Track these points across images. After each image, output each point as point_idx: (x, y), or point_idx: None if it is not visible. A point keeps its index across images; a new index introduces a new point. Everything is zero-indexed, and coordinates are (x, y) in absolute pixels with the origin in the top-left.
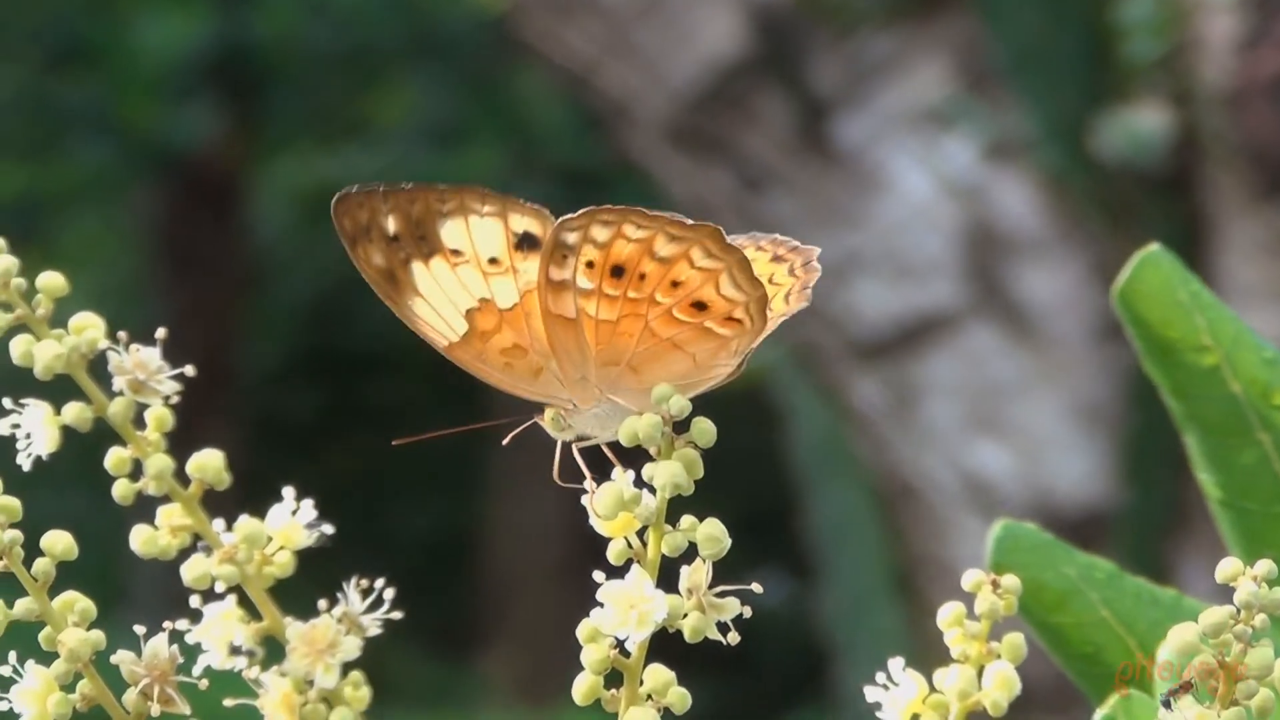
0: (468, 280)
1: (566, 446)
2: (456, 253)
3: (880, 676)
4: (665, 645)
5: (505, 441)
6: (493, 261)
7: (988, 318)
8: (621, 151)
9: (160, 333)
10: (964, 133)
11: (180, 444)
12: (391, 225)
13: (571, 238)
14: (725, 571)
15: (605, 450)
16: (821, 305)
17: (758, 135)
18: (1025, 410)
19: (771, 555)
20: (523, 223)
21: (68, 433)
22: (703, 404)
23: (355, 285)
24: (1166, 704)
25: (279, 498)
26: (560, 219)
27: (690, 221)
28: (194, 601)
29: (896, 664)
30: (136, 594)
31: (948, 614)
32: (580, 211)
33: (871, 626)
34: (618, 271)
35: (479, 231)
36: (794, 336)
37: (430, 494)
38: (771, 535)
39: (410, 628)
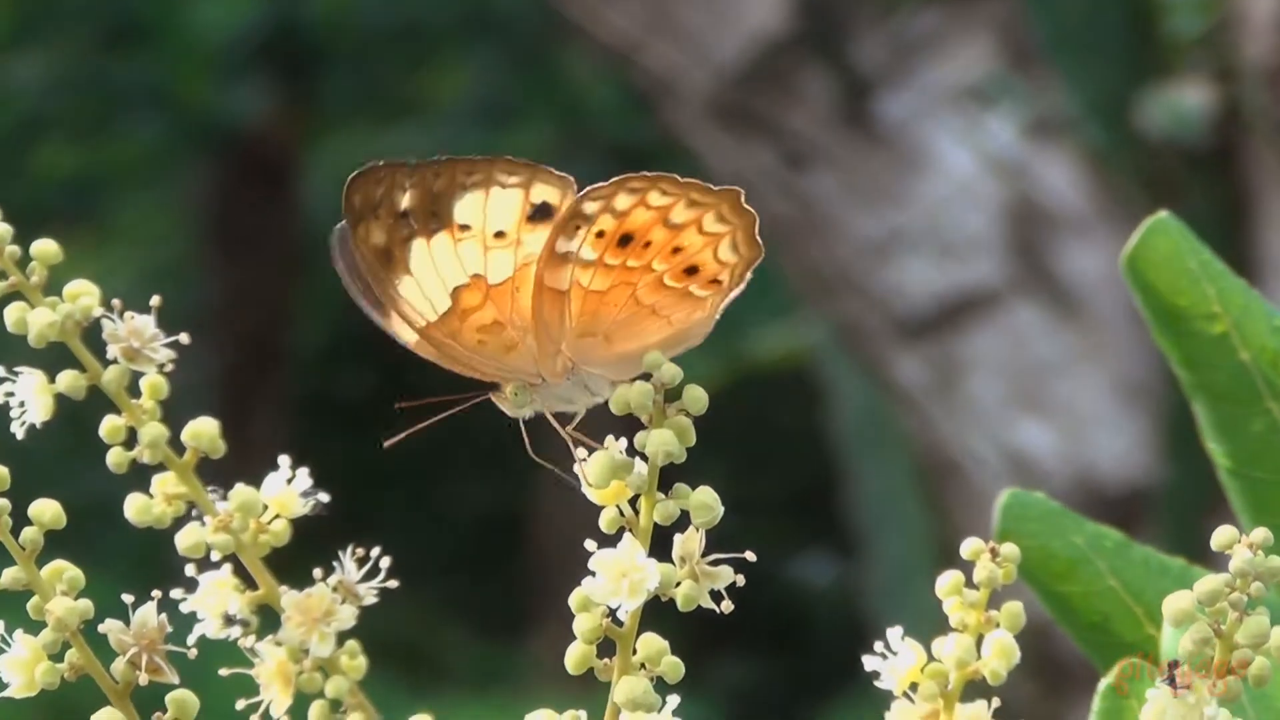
0: (466, 255)
1: (531, 423)
2: (464, 227)
3: (878, 645)
4: (710, 623)
5: (426, 422)
6: (498, 235)
7: (1030, 295)
8: (667, 129)
9: (155, 300)
10: (1006, 110)
11: (232, 424)
12: (406, 200)
13: (592, 207)
14: (771, 551)
15: (556, 425)
16: (864, 283)
17: (801, 113)
18: (1068, 387)
19: (816, 535)
20: (543, 192)
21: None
22: (746, 385)
23: None
24: (1170, 680)
25: (324, 476)
26: (587, 189)
27: (714, 188)
28: (189, 570)
29: (895, 633)
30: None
31: (945, 583)
32: (611, 180)
33: (915, 603)
34: (625, 240)
35: (496, 203)
36: (837, 314)
37: (480, 475)
38: (815, 514)
39: (460, 608)
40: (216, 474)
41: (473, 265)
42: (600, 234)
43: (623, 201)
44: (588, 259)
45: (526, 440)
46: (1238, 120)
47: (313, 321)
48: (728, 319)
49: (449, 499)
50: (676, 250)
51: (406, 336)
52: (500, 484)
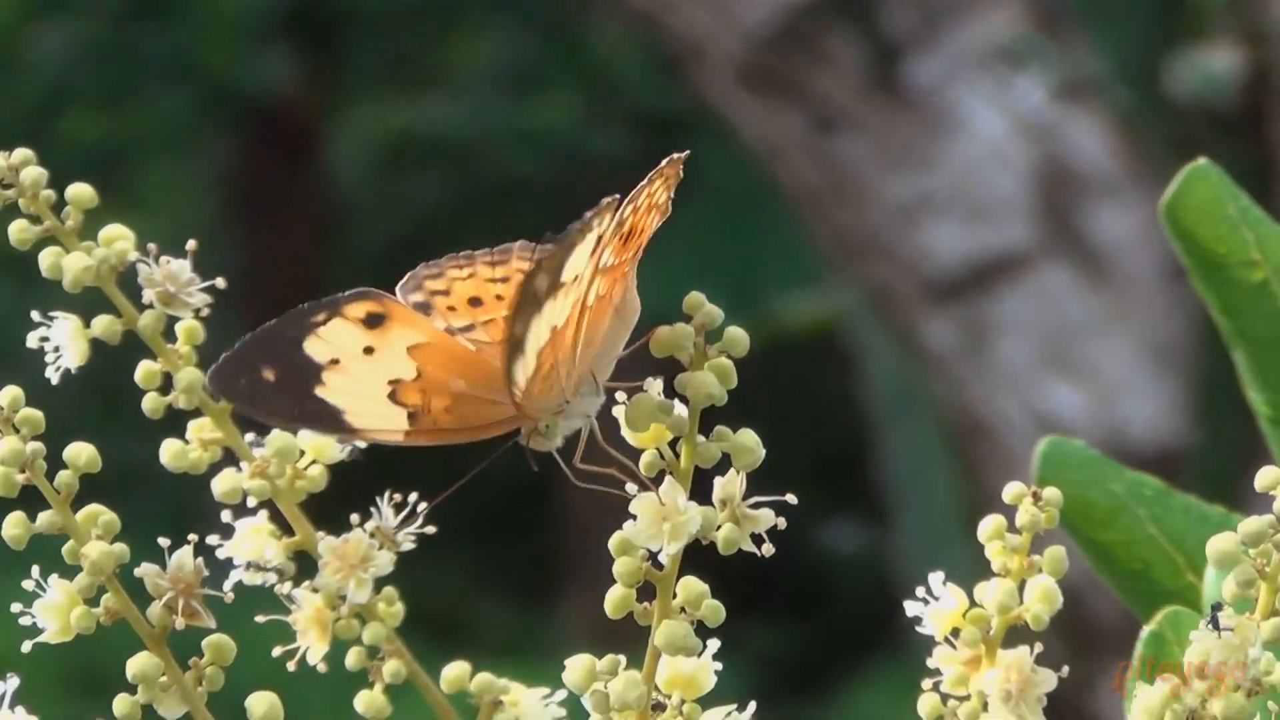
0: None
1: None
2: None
3: (920, 590)
4: (738, 590)
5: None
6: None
7: (1060, 258)
8: (695, 95)
9: (191, 244)
10: (1036, 73)
11: None
12: (540, 281)
13: (626, 212)
14: (800, 518)
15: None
16: (894, 247)
17: (830, 77)
18: (1098, 350)
19: (846, 499)
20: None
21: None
22: (775, 351)
23: (431, 233)
24: (1213, 621)
25: None
26: (629, 199)
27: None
28: (225, 516)
29: (936, 578)
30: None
31: (988, 527)
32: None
33: (945, 567)
34: (628, 237)
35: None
36: (867, 278)
37: (507, 438)
38: (846, 479)
39: (490, 574)
40: (244, 433)
41: (557, 319)
42: (622, 238)
43: (641, 199)
44: (609, 266)
45: (569, 470)
46: (1266, 83)
47: (337, 288)
48: (755, 285)
49: (477, 465)
50: (643, 231)
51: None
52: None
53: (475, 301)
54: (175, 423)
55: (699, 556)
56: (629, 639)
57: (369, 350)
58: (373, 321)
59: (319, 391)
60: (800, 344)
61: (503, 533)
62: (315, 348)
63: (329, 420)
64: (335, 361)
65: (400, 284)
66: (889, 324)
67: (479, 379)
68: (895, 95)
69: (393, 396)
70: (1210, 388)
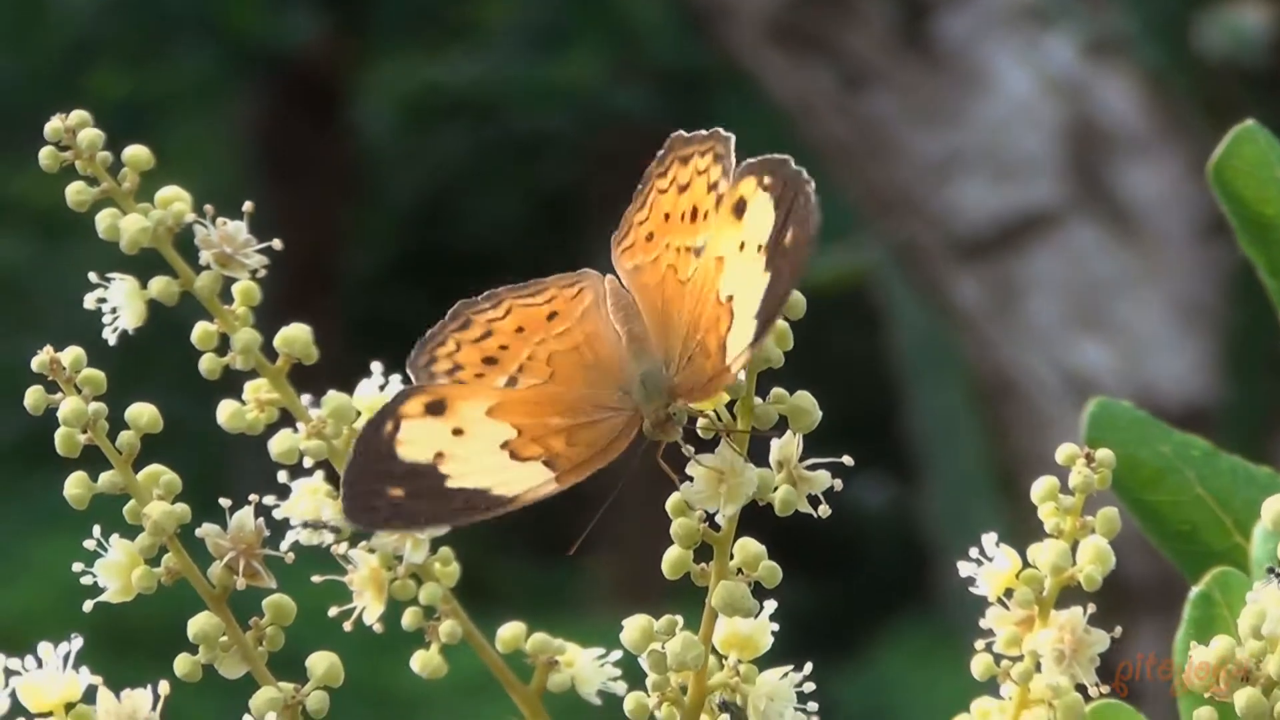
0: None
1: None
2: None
3: (974, 551)
4: (760, 541)
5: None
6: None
7: (1089, 215)
8: (722, 52)
9: (247, 206)
10: (1065, 30)
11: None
12: None
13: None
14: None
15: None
16: (924, 204)
17: (858, 33)
18: (1127, 308)
19: (874, 457)
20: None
21: (170, 336)
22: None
23: (459, 187)
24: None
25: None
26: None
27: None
28: (282, 477)
29: (990, 539)
30: (240, 494)
31: (1041, 488)
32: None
33: (973, 525)
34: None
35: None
36: (896, 235)
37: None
38: (873, 437)
39: (513, 532)
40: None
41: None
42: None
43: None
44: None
45: (672, 472)
46: None
47: (364, 245)
48: None
49: None
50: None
51: None
52: None
53: (520, 330)
54: (197, 382)
55: None
56: (652, 595)
57: (458, 432)
58: (436, 409)
59: (452, 484)
60: (828, 300)
61: None
62: (411, 452)
63: (484, 501)
64: (440, 454)
65: (414, 361)
66: (918, 281)
67: (566, 409)
68: (925, 52)
69: (515, 456)
70: (1239, 345)
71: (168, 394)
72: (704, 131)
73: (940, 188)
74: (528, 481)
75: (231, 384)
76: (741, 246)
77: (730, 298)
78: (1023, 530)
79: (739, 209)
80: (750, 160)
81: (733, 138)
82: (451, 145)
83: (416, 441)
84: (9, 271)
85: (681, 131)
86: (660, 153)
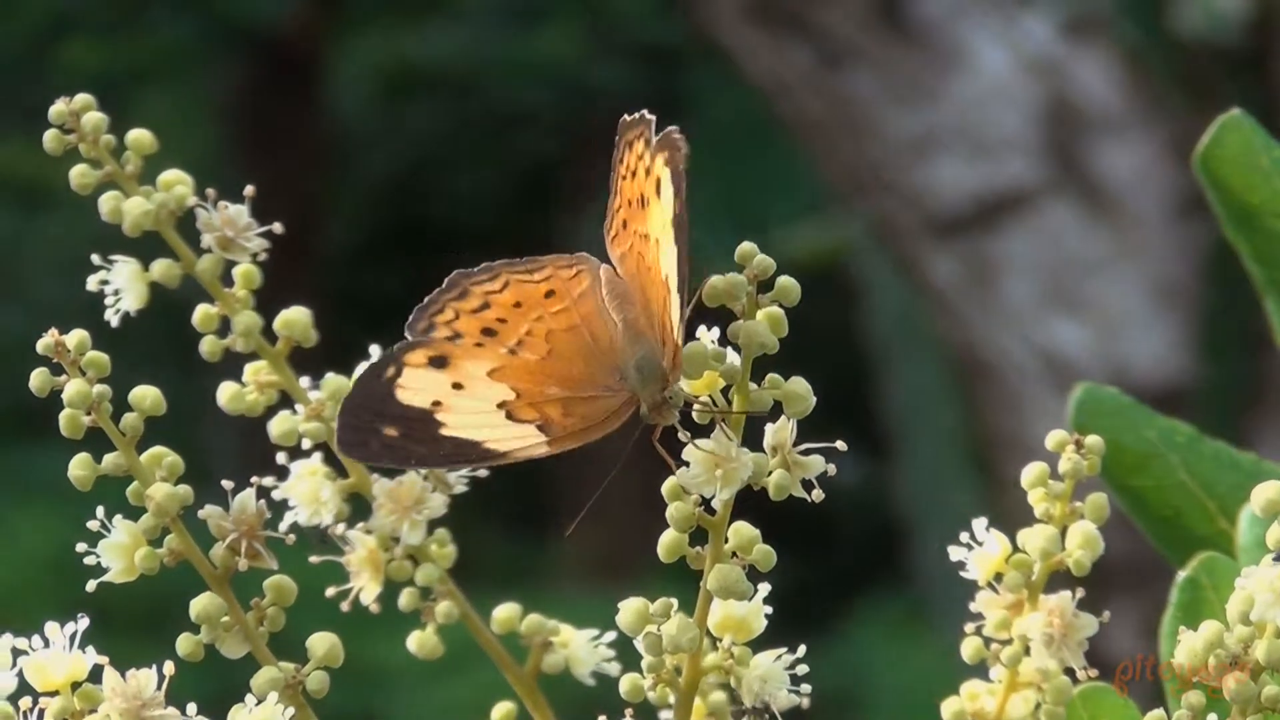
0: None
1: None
2: None
3: (964, 536)
4: (735, 518)
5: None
6: None
7: (1065, 194)
8: (700, 29)
9: (249, 190)
10: (1042, 9)
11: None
12: None
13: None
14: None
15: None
16: (900, 182)
17: (836, 11)
18: (1102, 287)
19: (848, 434)
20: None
21: (156, 314)
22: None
23: (436, 161)
24: None
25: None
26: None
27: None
28: (280, 458)
29: (980, 523)
30: (218, 473)
31: (1031, 474)
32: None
33: (947, 503)
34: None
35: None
36: (871, 213)
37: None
38: (848, 413)
39: (488, 506)
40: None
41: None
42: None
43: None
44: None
45: (668, 456)
46: (1272, 21)
47: (343, 218)
48: (756, 218)
49: None
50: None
51: None
52: None
53: (518, 305)
54: (180, 361)
55: None
56: (626, 572)
57: (458, 386)
58: (439, 363)
59: (445, 432)
60: (802, 276)
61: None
62: (410, 397)
63: (474, 452)
64: (438, 403)
65: (412, 326)
66: (894, 259)
67: (566, 381)
68: (901, 30)
69: (511, 417)
70: (1215, 325)
71: (143, 367)
72: (640, 114)
73: (917, 166)
74: (520, 441)
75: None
76: (664, 225)
77: (666, 276)
78: (997, 508)
79: (659, 188)
80: (656, 138)
81: (654, 119)
82: (428, 120)
83: (416, 388)
84: None
85: (625, 116)
86: (616, 138)
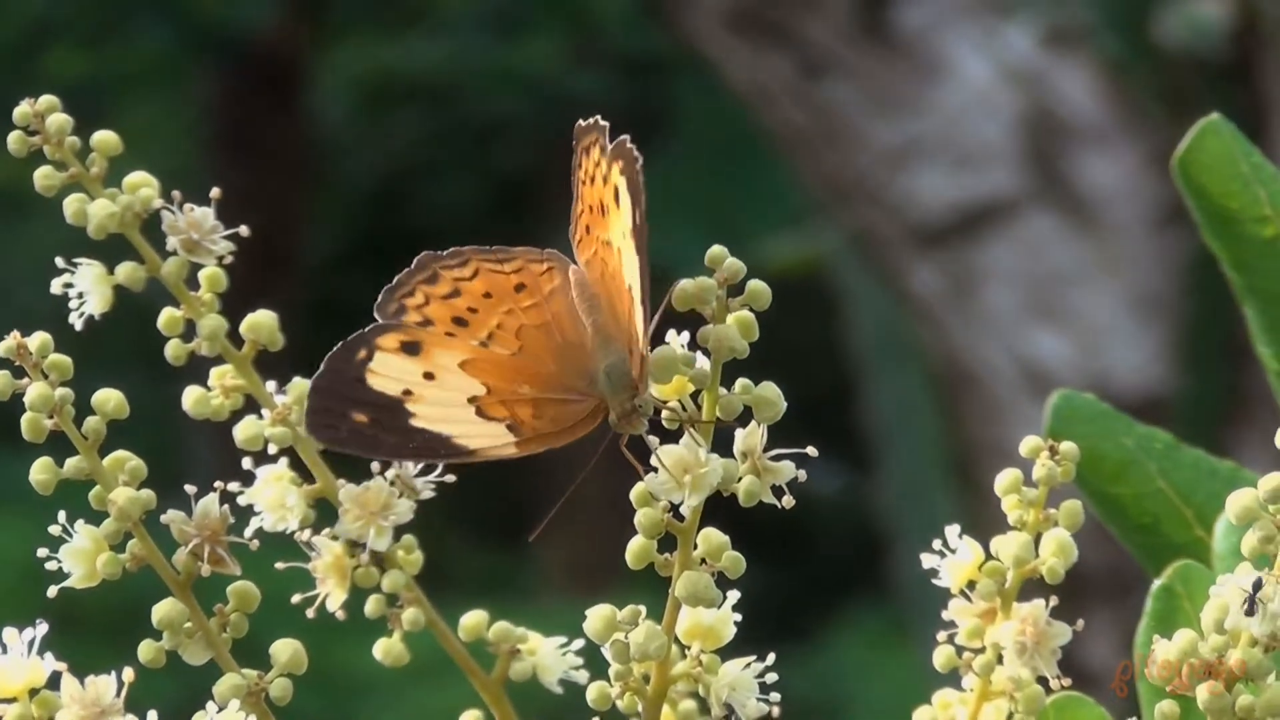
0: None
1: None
2: None
3: (937, 543)
4: (714, 526)
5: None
6: None
7: (1047, 205)
8: (682, 38)
9: (215, 192)
10: (1024, 20)
11: (235, 327)
12: None
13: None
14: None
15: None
16: (881, 192)
17: (818, 21)
18: (1083, 298)
19: (828, 442)
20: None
21: (116, 318)
22: None
23: (416, 171)
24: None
25: None
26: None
27: None
28: (246, 463)
29: (953, 530)
30: (191, 478)
31: (1004, 480)
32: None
33: (928, 513)
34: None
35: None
36: (853, 223)
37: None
38: (829, 423)
39: (464, 516)
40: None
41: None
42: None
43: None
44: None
45: (636, 462)
46: (1255, 32)
47: (322, 227)
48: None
49: None
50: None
51: None
52: None
53: (488, 295)
54: (147, 362)
55: None
56: (602, 581)
57: (429, 376)
58: (411, 349)
59: (415, 423)
60: (784, 286)
61: (478, 473)
62: (380, 384)
63: (443, 447)
64: (409, 392)
65: (381, 307)
66: (875, 269)
67: (537, 381)
68: (883, 41)
69: (480, 413)
70: (1195, 336)
71: (120, 373)
72: (593, 120)
73: (898, 176)
74: (490, 440)
75: (184, 365)
76: (624, 234)
77: (630, 286)
78: (978, 518)
79: (617, 197)
80: (610, 146)
81: (607, 125)
82: (409, 129)
83: (387, 375)
84: None
85: (580, 121)
86: (573, 143)
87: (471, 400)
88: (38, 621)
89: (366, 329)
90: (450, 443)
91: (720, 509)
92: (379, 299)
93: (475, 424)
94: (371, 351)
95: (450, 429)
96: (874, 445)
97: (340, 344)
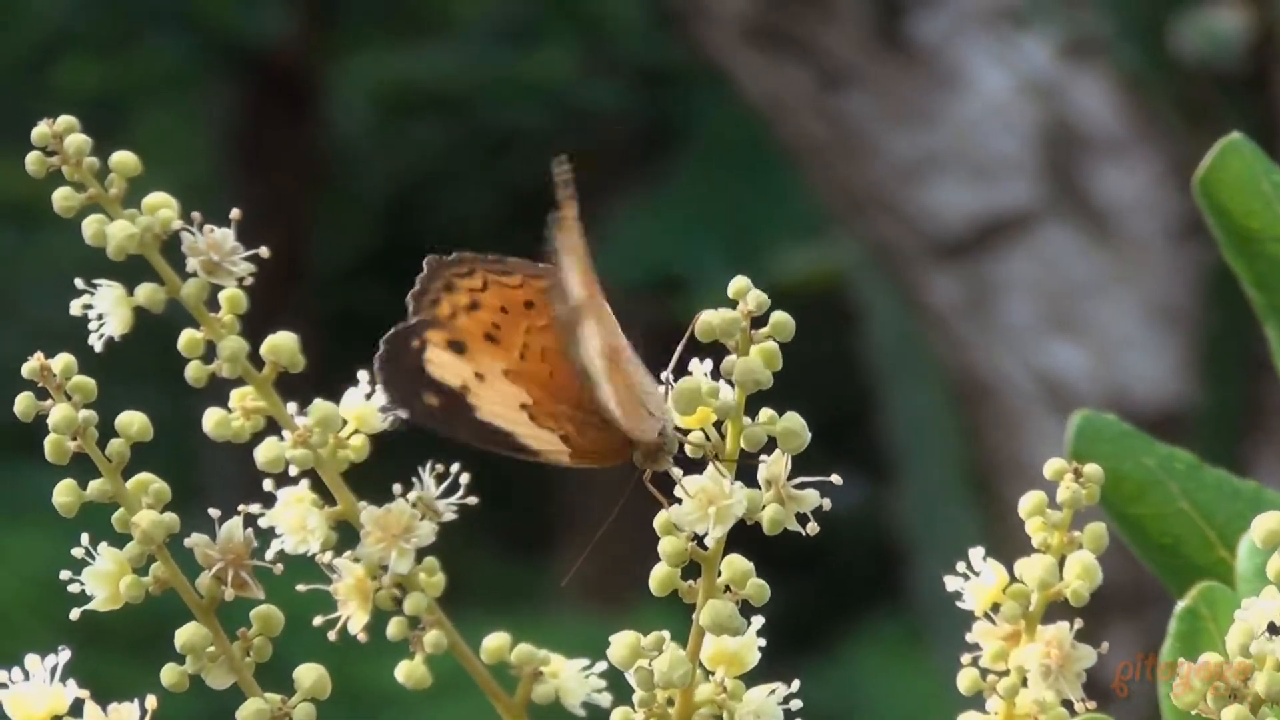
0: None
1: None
2: None
3: (960, 566)
4: (733, 540)
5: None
6: None
7: (1064, 217)
8: (697, 49)
9: (235, 213)
10: (1041, 31)
11: (257, 341)
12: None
13: None
14: (800, 472)
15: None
16: (898, 204)
17: (835, 32)
18: (1101, 310)
19: (847, 456)
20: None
21: (139, 330)
22: (774, 305)
23: (431, 181)
24: None
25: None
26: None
27: None
28: (267, 485)
29: (977, 553)
30: (210, 496)
31: (1029, 503)
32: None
33: (946, 527)
34: None
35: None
36: (870, 235)
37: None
38: (847, 436)
39: (481, 530)
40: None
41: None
42: None
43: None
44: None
45: (659, 494)
46: (1271, 44)
47: (337, 238)
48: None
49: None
50: None
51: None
52: None
53: (504, 310)
54: (163, 374)
55: None
56: (620, 596)
57: (480, 377)
58: (458, 348)
59: (480, 416)
60: (801, 299)
61: (496, 488)
62: (440, 374)
63: (508, 443)
64: (466, 387)
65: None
66: (892, 281)
67: (572, 402)
68: (900, 52)
69: (534, 420)
70: (1213, 349)
71: (137, 384)
72: (562, 161)
73: (915, 188)
74: (547, 445)
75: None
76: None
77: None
78: (995, 532)
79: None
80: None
81: (569, 175)
82: (423, 139)
83: (443, 366)
84: None
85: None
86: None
87: (523, 407)
88: (60, 647)
89: (412, 321)
90: (515, 439)
91: (737, 524)
92: (410, 306)
93: (532, 428)
94: (424, 343)
95: (511, 426)
96: (891, 457)
97: (391, 332)
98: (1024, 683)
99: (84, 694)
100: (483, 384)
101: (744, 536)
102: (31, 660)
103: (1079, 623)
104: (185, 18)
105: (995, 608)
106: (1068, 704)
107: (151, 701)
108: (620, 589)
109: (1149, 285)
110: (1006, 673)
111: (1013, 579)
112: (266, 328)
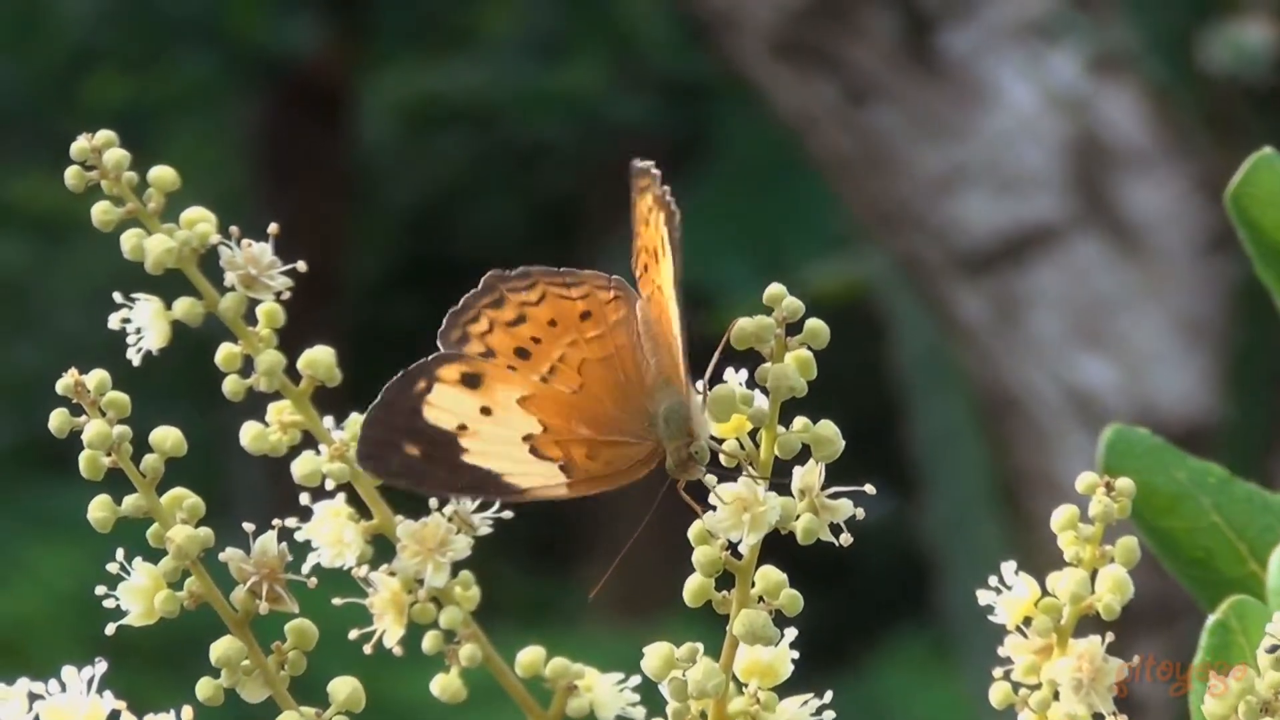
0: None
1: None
2: None
3: (993, 580)
4: (763, 557)
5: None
6: None
7: (1092, 231)
8: (725, 64)
9: (273, 228)
10: (1069, 45)
11: (287, 354)
12: None
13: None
14: (828, 483)
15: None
16: (926, 218)
17: (863, 47)
18: (1129, 324)
19: (873, 469)
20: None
21: (182, 348)
22: (809, 315)
23: (460, 195)
24: None
25: None
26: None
27: None
28: (303, 499)
29: (1009, 567)
30: (239, 509)
31: (1061, 517)
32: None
33: (973, 540)
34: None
35: None
36: (898, 249)
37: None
38: (873, 449)
39: (509, 543)
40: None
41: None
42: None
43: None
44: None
45: (694, 502)
46: None
47: (366, 251)
48: (781, 252)
49: None
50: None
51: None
52: None
53: (553, 323)
54: (193, 386)
55: None
56: (649, 610)
57: (486, 411)
58: (471, 382)
59: (467, 459)
60: (828, 311)
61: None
62: (437, 417)
63: (493, 485)
64: (464, 427)
65: (445, 334)
66: (920, 295)
67: (595, 422)
68: (928, 66)
69: (535, 452)
70: (1242, 363)
71: (167, 398)
72: (648, 165)
73: (943, 202)
74: (541, 479)
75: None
76: (671, 283)
77: (675, 337)
78: (1022, 545)
79: (663, 247)
80: (655, 192)
81: (659, 174)
82: (452, 153)
83: (444, 408)
84: (6, 275)
85: (635, 160)
86: (630, 179)
87: (526, 439)
88: (96, 659)
89: (429, 359)
90: (500, 481)
91: (767, 537)
92: (443, 324)
93: (528, 463)
94: (431, 383)
95: (502, 466)
96: (919, 470)
97: (401, 374)
98: (1056, 696)
99: (120, 705)
100: (485, 419)
101: (769, 549)
102: (68, 672)
103: (1110, 636)
104: (214, 31)
105: (1027, 621)
106: (1099, 717)
107: (187, 712)
108: (654, 603)
109: (1177, 299)
110: (1038, 686)
111: (1044, 593)
112: (298, 342)
